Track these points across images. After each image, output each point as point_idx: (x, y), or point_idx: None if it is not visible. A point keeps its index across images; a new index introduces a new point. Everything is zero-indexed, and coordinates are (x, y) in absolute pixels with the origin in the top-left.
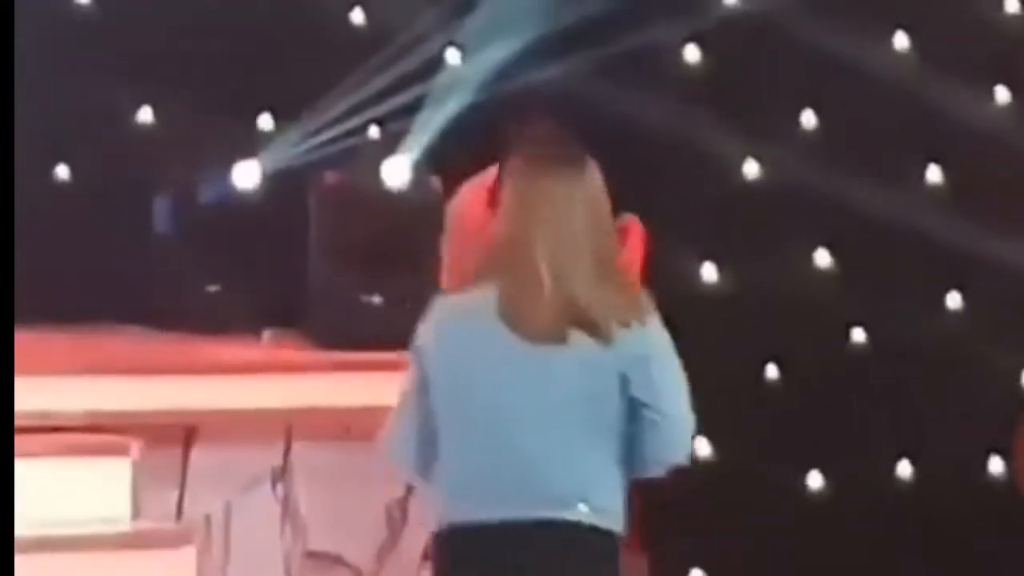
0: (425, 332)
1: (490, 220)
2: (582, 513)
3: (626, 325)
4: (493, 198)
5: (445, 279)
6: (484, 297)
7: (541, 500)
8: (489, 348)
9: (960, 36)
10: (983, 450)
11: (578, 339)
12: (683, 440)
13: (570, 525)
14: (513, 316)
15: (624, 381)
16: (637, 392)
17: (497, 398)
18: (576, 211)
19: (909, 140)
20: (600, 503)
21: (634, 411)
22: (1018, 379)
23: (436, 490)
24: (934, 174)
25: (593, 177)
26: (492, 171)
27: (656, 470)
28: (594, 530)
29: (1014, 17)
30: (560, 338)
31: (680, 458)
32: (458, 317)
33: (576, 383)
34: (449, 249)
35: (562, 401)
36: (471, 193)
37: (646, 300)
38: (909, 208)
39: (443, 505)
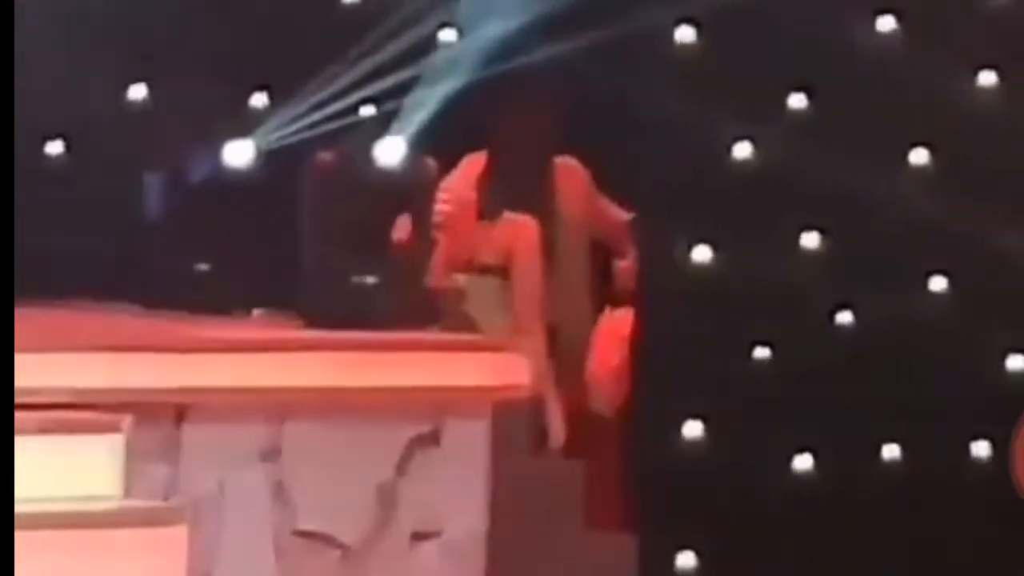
0: None
1: (474, 207)
2: None
3: None
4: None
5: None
6: None
7: None
8: None
9: (945, 19)
10: (968, 433)
11: None
12: None
13: None
14: None
15: None
16: None
17: None
18: None
19: (895, 123)
20: None
21: None
22: (1002, 362)
23: None
24: (920, 157)
25: None
26: (477, 160)
27: None
28: None
29: None
30: None
31: None
32: None
33: None
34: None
35: None
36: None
37: None
38: (895, 191)
39: None
